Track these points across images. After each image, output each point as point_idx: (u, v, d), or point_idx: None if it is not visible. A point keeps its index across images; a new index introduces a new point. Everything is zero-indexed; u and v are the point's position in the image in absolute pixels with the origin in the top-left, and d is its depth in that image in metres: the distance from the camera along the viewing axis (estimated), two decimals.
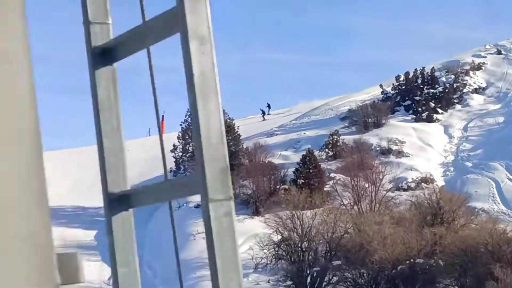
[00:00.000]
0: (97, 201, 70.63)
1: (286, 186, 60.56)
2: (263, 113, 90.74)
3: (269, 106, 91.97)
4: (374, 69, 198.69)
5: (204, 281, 48.18)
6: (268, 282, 45.93)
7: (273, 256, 44.72)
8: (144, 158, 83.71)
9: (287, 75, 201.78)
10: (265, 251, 44.91)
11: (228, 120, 68.57)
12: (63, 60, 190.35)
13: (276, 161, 66.63)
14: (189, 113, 58.17)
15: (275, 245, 44.58)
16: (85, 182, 76.99)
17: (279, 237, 45.30)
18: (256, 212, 58.35)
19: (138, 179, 77.30)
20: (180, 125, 67.60)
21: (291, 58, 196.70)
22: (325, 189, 59.00)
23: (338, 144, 68.03)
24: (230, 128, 68.04)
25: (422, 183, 61.35)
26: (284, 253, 44.40)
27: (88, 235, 61.04)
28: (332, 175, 62.63)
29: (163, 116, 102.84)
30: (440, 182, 61.82)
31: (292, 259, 43.73)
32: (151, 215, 64.74)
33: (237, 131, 68.42)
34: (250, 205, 59.15)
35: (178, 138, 68.32)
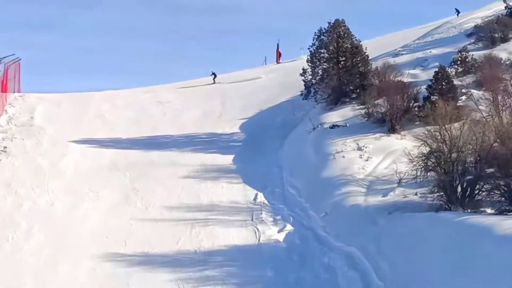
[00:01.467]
0: (228, 128, 72.59)
1: (419, 104, 60.93)
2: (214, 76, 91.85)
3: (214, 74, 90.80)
4: None
5: (350, 196, 49.29)
6: (416, 194, 46.57)
7: (423, 168, 45.25)
8: (270, 85, 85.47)
9: None
10: (414, 163, 45.48)
11: (356, 42, 68.92)
12: None
13: (405, 79, 66.98)
14: (316, 36, 58.84)
15: (424, 157, 45.09)
16: (214, 112, 78.89)
17: (427, 150, 45.75)
18: (392, 130, 59.00)
19: (266, 105, 79.06)
20: (308, 48, 68.49)
21: None
22: (458, 104, 59.10)
23: (467, 60, 67.75)
24: (358, 50, 68.46)
25: None
26: (433, 165, 44.92)
27: (226, 160, 62.65)
28: (464, 90, 62.62)
29: (278, 44, 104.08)
30: None
31: (442, 170, 44.22)
32: (285, 138, 66.04)
33: (365, 52, 68.70)
34: (386, 123, 59.80)
35: (307, 61, 69.19)
